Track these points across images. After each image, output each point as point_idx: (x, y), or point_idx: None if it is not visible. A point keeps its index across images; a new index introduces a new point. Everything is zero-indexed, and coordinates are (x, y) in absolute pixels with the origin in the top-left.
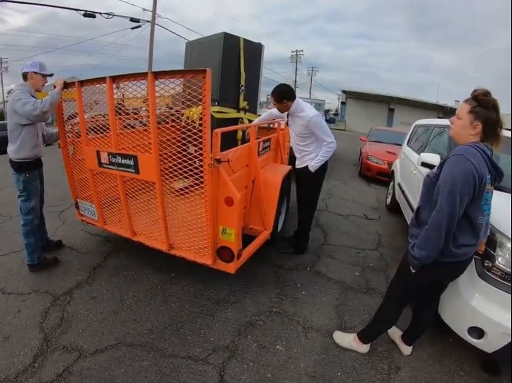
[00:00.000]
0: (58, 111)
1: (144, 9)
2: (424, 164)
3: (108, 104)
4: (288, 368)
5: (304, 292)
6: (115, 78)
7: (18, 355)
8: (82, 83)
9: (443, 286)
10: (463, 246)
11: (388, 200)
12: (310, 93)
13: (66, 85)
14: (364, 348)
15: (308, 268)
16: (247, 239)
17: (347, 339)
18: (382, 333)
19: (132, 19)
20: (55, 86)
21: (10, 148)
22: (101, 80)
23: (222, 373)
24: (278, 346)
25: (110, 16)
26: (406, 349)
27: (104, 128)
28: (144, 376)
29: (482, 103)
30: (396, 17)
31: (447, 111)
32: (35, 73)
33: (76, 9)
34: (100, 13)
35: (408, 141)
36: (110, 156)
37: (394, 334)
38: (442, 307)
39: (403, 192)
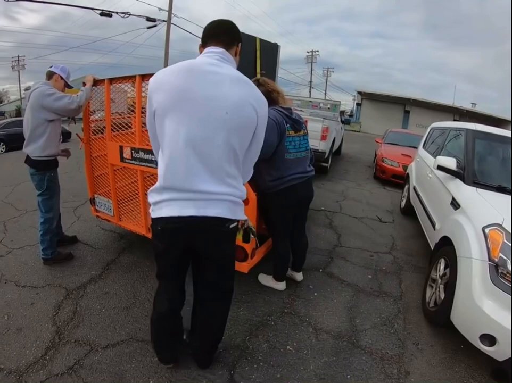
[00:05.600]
0: (84, 108)
1: (160, 9)
2: (440, 168)
3: (136, 101)
4: (298, 369)
5: (316, 294)
6: (145, 77)
7: (30, 347)
8: (111, 80)
9: (287, 215)
10: (277, 180)
11: (403, 203)
12: (325, 94)
13: (96, 82)
14: (280, 286)
15: (320, 270)
16: (260, 239)
17: (267, 279)
18: (286, 269)
19: (149, 19)
20: (84, 83)
21: (33, 146)
22: (131, 78)
23: (232, 372)
24: (288, 347)
25: (127, 15)
26: (298, 276)
27: (126, 125)
28: (154, 372)
29: None
30: (411, 15)
31: (463, 114)
32: (62, 78)
33: (93, 9)
34: (117, 12)
35: (424, 144)
36: (133, 151)
37: (288, 271)
38: (454, 313)
39: (418, 195)
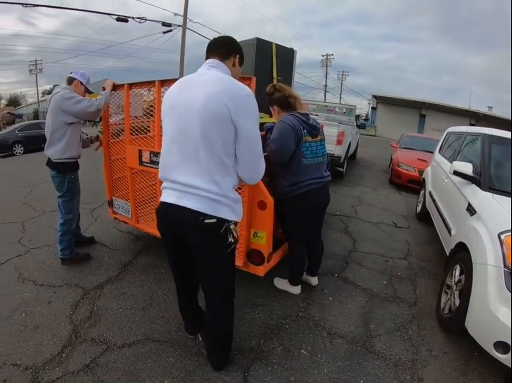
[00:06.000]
0: (104, 112)
1: (176, 14)
2: (456, 173)
3: (155, 106)
4: (311, 373)
5: (330, 298)
6: (164, 82)
7: (47, 344)
8: (131, 85)
9: (304, 219)
10: (294, 185)
11: (418, 209)
12: (340, 98)
13: (115, 87)
14: (295, 290)
15: (336, 275)
16: (276, 243)
17: (283, 283)
18: (302, 273)
19: (164, 24)
20: (104, 88)
21: (54, 149)
22: (150, 83)
23: (246, 374)
24: (302, 350)
25: (143, 20)
26: (313, 280)
27: (144, 129)
28: (169, 372)
29: (269, 94)
30: (424, 17)
31: (480, 118)
32: (81, 83)
33: (109, 14)
34: (133, 17)
35: (440, 149)
36: (152, 155)
37: (304, 275)
38: (468, 320)
39: (433, 201)
